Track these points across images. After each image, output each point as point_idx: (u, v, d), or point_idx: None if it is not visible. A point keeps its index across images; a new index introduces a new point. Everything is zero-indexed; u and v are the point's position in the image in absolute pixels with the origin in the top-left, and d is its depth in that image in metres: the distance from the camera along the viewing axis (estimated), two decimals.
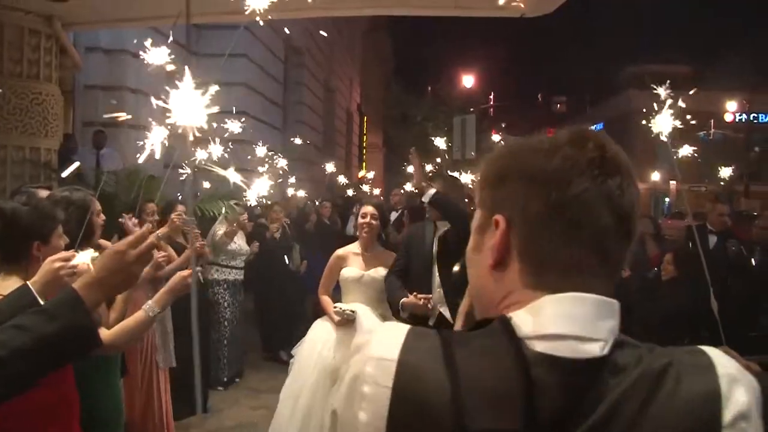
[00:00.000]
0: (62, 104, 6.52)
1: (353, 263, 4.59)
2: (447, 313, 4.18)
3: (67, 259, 2.10)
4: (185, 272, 2.68)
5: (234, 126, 3.25)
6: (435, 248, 4.42)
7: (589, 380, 0.83)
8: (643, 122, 2.46)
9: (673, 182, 33.33)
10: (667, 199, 34.23)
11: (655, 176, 35.48)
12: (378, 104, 32.80)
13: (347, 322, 4.33)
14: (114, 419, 3.07)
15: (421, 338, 0.89)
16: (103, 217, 2.97)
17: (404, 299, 4.12)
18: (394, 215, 9.18)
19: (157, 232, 4.59)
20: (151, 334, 4.82)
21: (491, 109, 34.65)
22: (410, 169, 11.15)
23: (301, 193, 11.20)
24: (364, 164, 29.73)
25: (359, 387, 0.87)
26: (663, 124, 2.46)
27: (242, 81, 11.97)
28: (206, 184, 7.65)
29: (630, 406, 0.83)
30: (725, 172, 20.82)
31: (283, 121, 15.57)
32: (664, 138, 2.51)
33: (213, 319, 6.49)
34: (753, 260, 6.62)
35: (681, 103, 2.61)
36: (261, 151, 6.86)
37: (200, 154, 4.05)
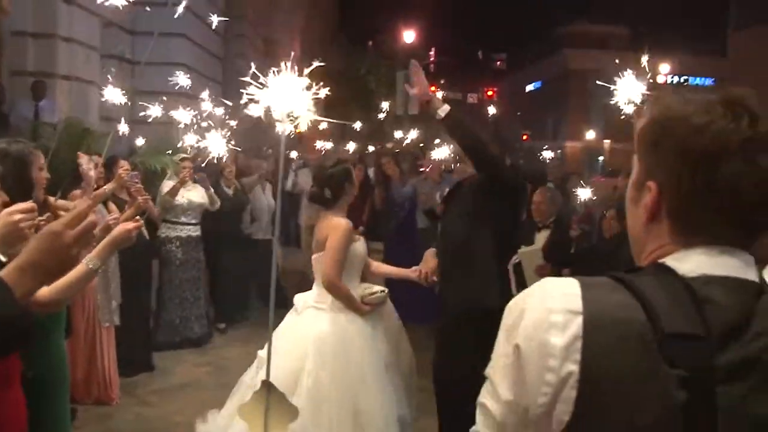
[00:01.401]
0: None
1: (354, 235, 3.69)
2: None
3: (28, 211, 1.96)
4: (129, 224, 2.58)
5: (183, 79, 3.12)
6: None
7: (754, 298, 0.92)
8: (613, 87, 2.51)
9: (606, 141, 34.20)
10: (600, 158, 35.07)
11: (590, 134, 36.35)
12: (320, 58, 32.22)
13: (374, 306, 3.58)
14: (59, 380, 2.96)
15: (592, 280, 0.97)
16: (46, 173, 2.83)
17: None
18: None
19: (105, 187, 4.44)
20: (93, 292, 4.72)
21: (432, 65, 34.57)
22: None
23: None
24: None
25: (547, 320, 0.92)
26: (629, 89, 2.51)
27: (181, 32, 11.54)
28: (140, 141, 7.36)
29: None
30: None
31: (222, 75, 15.14)
32: (634, 103, 2.55)
33: (164, 279, 6.34)
34: None
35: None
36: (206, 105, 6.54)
37: (154, 110, 3.91)
